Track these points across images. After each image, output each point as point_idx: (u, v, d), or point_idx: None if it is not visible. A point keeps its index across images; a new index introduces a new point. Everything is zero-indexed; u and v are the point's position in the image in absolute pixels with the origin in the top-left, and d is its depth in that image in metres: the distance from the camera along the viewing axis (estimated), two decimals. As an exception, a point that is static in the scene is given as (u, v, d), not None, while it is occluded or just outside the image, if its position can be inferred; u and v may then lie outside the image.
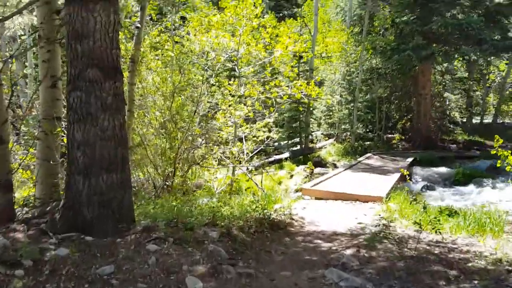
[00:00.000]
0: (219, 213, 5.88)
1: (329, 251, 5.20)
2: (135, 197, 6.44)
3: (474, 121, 27.29)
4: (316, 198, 8.35)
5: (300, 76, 14.98)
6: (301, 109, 15.28)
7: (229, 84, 9.53)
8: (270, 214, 6.17)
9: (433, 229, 6.32)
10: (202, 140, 8.21)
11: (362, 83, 18.28)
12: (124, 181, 4.39)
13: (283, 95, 9.37)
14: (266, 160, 14.67)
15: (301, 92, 9.38)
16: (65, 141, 4.85)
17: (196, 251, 4.19)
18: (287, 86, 9.59)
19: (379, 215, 7.15)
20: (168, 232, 4.50)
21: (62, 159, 5.80)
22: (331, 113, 20.89)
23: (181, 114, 8.24)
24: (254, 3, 9.47)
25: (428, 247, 5.47)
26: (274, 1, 22.01)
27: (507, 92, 27.89)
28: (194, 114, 7.85)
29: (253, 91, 9.47)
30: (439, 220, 6.59)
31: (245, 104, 9.49)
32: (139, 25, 8.33)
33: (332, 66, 19.84)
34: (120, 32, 5.37)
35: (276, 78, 13.14)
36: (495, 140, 5.44)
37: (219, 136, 9.15)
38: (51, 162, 5.73)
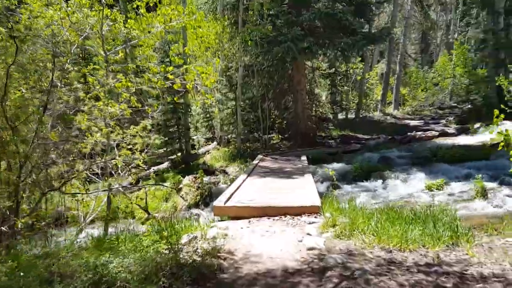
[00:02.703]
0: (107, 271, 3.36)
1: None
2: None
3: (340, 116, 28.16)
4: (232, 218, 6.20)
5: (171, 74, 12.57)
6: (201, 103, 12.71)
7: (91, 73, 6.80)
8: (194, 259, 3.86)
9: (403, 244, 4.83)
10: (60, 151, 5.40)
11: (242, 79, 16.61)
12: None
13: (171, 84, 7.01)
14: (143, 174, 11.99)
15: (194, 80, 7.16)
16: None
17: None
18: (173, 75, 7.23)
19: (328, 232, 5.35)
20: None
21: None
22: (208, 115, 18.80)
23: (23, 115, 5.34)
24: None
25: (429, 277, 3.88)
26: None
27: (365, 87, 29.46)
28: (44, 112, 5.03)
29: (127, 81, 6.89)
30: (405, 232, 5.12)
31: (117, 100, 6.94)
32: None
33: (205, 61, 17.82)
34: None
35: (143, 72, 10.76)
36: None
37: (82, 145, 6.34)
38: None
